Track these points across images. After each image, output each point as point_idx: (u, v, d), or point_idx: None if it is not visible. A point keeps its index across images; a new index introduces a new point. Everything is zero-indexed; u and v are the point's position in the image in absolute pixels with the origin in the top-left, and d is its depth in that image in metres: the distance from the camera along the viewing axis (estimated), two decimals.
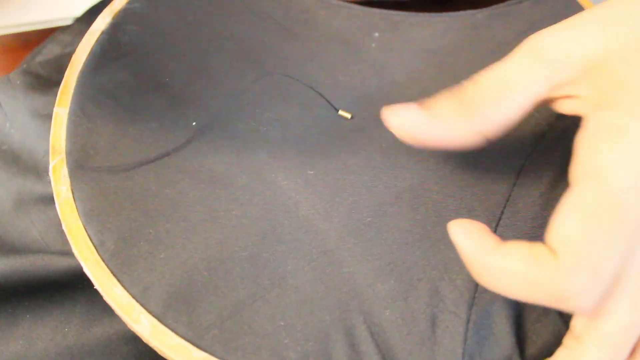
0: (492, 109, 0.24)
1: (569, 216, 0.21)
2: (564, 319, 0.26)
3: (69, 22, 0.44)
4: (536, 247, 0.21)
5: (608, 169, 0.21)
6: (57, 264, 0.29)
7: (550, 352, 0.25)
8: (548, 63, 0.24)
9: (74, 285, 0.29)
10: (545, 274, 0.21)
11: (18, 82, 0.33)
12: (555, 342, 0.25)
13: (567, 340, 0.24)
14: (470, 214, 0.28)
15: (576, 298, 0.20)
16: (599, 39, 0.24)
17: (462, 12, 0.34)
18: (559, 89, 0.24)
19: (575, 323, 0.23)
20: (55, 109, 0.30)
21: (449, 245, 0.27)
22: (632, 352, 0.23)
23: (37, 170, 0.31)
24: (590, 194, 0.21)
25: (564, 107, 0.25)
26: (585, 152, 0.22)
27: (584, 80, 0.24)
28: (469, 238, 0.23)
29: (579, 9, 0.34)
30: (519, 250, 0.21)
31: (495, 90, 0.24)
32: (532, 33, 0.34)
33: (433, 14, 0.34)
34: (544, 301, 0.21)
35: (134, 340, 0.29)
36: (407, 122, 0.25)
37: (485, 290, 0.26)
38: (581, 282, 0.20)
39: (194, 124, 0.29)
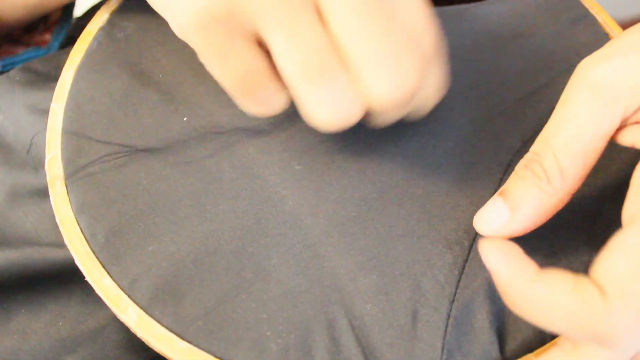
0: (578, 171, 0.23)
1: (619, 256, 0.21)
2: None
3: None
4: (582, 281, 0.21)
5: None
6: (52, 256, 0.29)
7: (531, 348, 0.26)
8: (619, 97, 0.23)
9: (69, 278, 0.29)
10: (591, 312, 0.20)
11: (17, 79, 0.34)
12: (536, 339, 0.26)
13: (563, 342, 0.24)
14: (455, 210, 0.28)
15: (620, 339, 0.20)
16: None
17: (454, 7, 0.34)
18: (629, 118, 0.24)
19: None
20: (52, 105, 0.30)
21: (433, 241, 0.27)
22: None
23: (33, 163, 0.32)
24: None
25: (626, 138, 0.24)
26: None
27: None
28: (505, 262, 0.22)
29: (575, 1, 0.34)
30: (563, 283, 0.21)
31: (574, 150, 0.23)
32: (526, 27, 0.33)
33: None
34: (584, 337, 0.21)
35: (127, 329, 0.29)
36: (501, 229, 0.25)
37: (467, 286, 0.26)
38: (628, 325, 0.20)
39: (185, 119, 0.30)
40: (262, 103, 0.25)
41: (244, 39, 0.23)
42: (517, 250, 0.22)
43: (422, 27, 0.23)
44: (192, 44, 0.24)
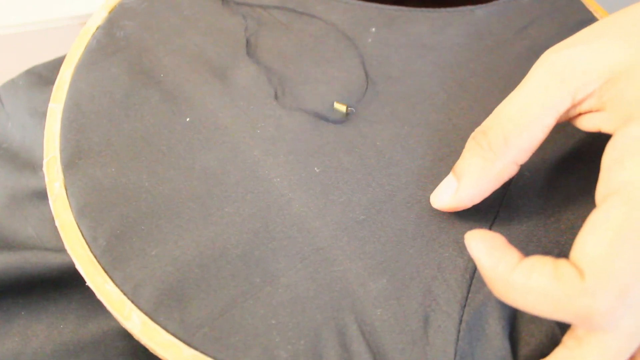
0: (521, 140, 0.24)
1: (594, 234, 0.21)
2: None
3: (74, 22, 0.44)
4: (560, 264, 0.21)
5: (634, 185, 0.20)
6: (52, 260, 0.29)
7: (544, 353, 0.25)
8: (571, 78, 0.23)
9: (68, 282, 0.29)
10: (571, 293, 0.20)
11: (21, 83, 0.34)
12: (549, 344, 0.25)
13: (567, 339, 0.23)
14: (464, 212, 0.28)
15: (602, 318, 0.20)
16: (622, 50, 0.23)
17: (460, 8, 0.34)
18: (582, 104, 0.24)
19: None
20: (50, 105, 0.30)
21: (443, 244, 0.27)
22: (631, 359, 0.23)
23: (33, 165, 0.31)
24: (616, 211, 0.20)
25: (587, 124, 0.25)
26: (610, 168, 0.22)
27: (609, 93, 0.23)
28: (489, 253, 0.22)
29: (580, 5, 0.34)
30: (543, 268, 0.21)
31: (520, 120, 0.24)
32: (532, 29, 0.33)
33: (431, 9, 0.34)
34: (568, 319, 0.21)
35: (129, 336, 0.29)
36: (449, 200, 0.26)
37: (479, 291, 0.26)
38: (607, 302, 0.20)
39: (187, 119, 0.29)
40: None
41: None
42: (500, 239, 0.23)
43: None
44: None
